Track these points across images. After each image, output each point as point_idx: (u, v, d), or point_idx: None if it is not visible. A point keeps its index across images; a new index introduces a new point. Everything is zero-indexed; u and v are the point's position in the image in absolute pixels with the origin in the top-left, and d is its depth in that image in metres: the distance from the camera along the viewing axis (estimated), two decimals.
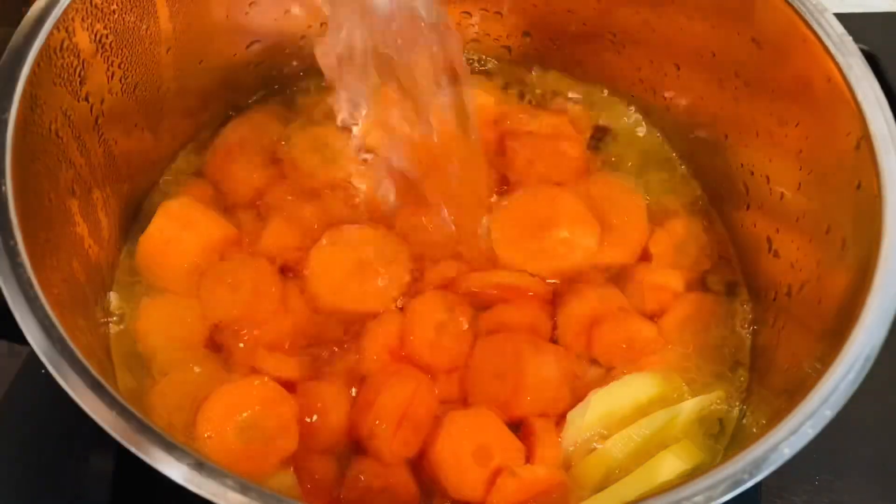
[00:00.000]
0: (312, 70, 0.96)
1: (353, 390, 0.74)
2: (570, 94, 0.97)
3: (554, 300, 0.81)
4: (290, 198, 0.84)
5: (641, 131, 0.95)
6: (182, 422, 0.70)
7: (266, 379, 0.72)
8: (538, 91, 0.97)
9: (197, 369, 0.73)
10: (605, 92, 0.97)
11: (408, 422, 0.71)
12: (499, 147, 0.90)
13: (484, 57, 1.00)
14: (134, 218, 0.83)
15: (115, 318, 0.77)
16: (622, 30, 0.91)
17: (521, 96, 0.97)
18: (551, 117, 0.93)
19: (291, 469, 0.69)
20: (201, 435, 0.69)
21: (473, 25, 0.98)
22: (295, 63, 0.97)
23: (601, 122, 0.95)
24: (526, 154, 0.88)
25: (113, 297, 0.78)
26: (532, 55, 0.99)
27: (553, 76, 0.99)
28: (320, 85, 0.95)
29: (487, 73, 0.99)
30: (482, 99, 0.93)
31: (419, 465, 0.71)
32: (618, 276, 0.83)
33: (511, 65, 1.00)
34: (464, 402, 0.74)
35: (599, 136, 0.94)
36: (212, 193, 0.85)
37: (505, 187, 0.88)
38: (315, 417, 0.72)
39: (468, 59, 0.99)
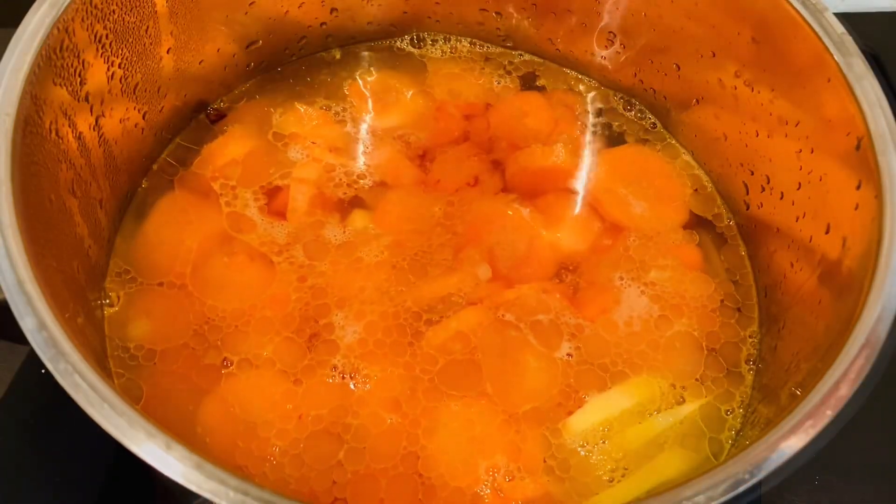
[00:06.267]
0: (311, 70, 0.97)
1: (351, 383, 0.74)
2: (569, 93, 0.97)
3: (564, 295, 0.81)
4: (287, 195, 0.85)
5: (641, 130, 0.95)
6: (181, 418, 0.70)
7: (265, 372, 0.72)
8: (536, 90, 0.98)
9: (194, 363, 0.73)
10: (605, 91, 0.97)
11: (405, 415, 0.71)
12: (491, 133, 0.92)
13: (482, 51, 1.00)
14: (132, 215, 0.84)
15: (113, 316, 0.77)
16: (622, 29, 0.91)
17: (517, 91, 0.97)
18: (549, 111, 0.94)
19: (290, 465, 0.69)
20: (200, 431, 0.69)
21: (471, 23, 0.98)
22: (294, 63, 0.97)
23: (600, 118, 0.95)
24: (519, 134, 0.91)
25: (111, 295, 0.78)
26: (532, 52, 0.99)
27: (551, 75, 0.99)
28: (319, 85, 0.96)
29: (485, 64, 0.99)
30: (477, 88, 0.95)
31: (417, 460, 0.71)
32: (618, 276, 0.83)
33: (509, 62, 1.00)
34: (460, 396, 0.74)
35: (596, 133, 0.94)
36: (209, 190, 0.85)
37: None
38: (312, 410, 0.71)
39: (467, 54, 1.00)
